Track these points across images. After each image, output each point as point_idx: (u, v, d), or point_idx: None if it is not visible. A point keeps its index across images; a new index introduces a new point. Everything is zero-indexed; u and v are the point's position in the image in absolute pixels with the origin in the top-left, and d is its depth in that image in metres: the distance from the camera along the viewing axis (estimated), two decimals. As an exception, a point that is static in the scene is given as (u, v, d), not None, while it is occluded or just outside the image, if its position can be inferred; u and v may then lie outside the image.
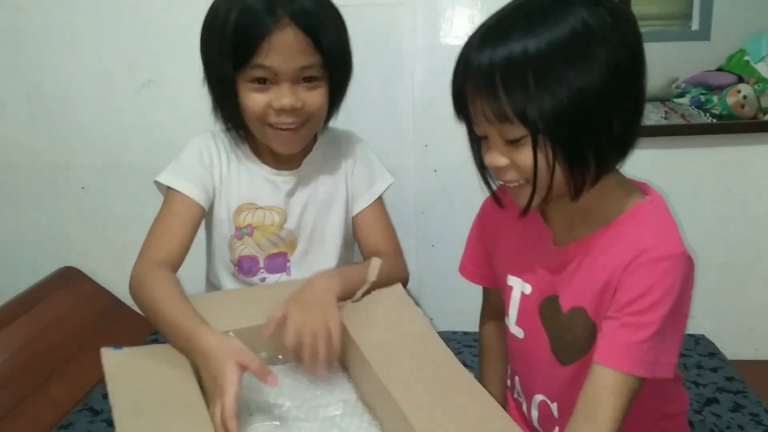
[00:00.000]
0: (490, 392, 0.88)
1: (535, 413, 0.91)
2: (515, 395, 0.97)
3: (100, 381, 1.32)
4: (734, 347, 1.28)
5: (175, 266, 1.01)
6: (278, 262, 1.13)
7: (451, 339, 1.48)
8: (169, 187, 1.05)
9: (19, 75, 1.62)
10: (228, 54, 0.97)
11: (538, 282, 0.85)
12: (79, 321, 1.55)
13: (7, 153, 1.68)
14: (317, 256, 1.14)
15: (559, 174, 0.73)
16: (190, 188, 1.05)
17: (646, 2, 1.46)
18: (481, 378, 1.04)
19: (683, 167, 1.53)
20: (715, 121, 1.50)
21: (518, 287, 0.88)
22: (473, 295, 1.58)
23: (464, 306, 1.66)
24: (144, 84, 1.58)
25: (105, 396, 1.24)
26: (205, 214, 1.08)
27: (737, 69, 1.50)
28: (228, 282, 1.14)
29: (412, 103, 1.55)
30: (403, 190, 1.57)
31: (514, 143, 0.74)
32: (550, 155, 0.72)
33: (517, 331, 0.89)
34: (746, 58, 1.49)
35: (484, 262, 0.97)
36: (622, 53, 0.71)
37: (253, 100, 1.00)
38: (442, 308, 1.60)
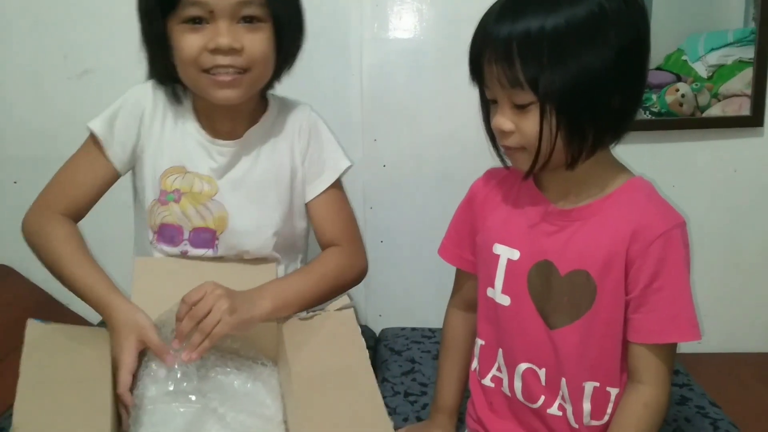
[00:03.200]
0: (446, 385, 1.02)
1: (518, 384, 0.93)
2: (494, 372, 0.97)
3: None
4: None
5: (77, 219, 1.01)
6: (205, 237, 1.05)
7: (400, 335, 1.47)
8: (92, 133, 1.02)
9: (-55, 62, 1.54)
10: None
11: (529, 247, 0.89)
12: (12, 320, 1.44)
13: (-68, 145, 1.59)
14: (249, 239, 1.05)
15: (559, 142, 0.80)
16: (110, 142, 1.01)
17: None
18: (439, 370, 1.06)
19: (627, 163, 1.56)
20: (654, 119, 1.54)
21: (505, 254, 0.91)
22: (422, 290, 1.58)
23: (413, 302, 1.67)
24: (80, 74, 1.53)
25: (38, 400, 1.20)
26: (118, 178, 1.05)
27: (675, 68, 1.53)
28: (148, 251, 1.08)
29: (361, 96, 1.54)
30: (352, 185, 1.54)
31: (521, 108, 0.80)
32: (554, 124, 0.79)
33: (503, 300, 0.92)
34: (684, 57, 1.53)
35: (466, 244, 1.00)
36: (630, 37, 0.78)
37: (187, 42, 0.93)
38: (391, 304, 1.60)
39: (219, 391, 0.88)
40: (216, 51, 0.92)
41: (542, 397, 0.91)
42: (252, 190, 1.05)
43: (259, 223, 1.05)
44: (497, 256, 0.92)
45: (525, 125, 0.81)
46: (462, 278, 1.05)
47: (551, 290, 0.87)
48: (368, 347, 0.94)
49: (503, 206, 0.94)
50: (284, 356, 0.92)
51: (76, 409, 0.79)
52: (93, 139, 1.03)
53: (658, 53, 1.52)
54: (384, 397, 0.83)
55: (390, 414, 0.81)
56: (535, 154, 0.82)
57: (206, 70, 0.94)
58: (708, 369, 1.43)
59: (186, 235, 1.04)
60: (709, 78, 1.53)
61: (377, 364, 1.37)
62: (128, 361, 0.87)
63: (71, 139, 1.56)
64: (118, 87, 1.26)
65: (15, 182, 1.62)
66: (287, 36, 0.99)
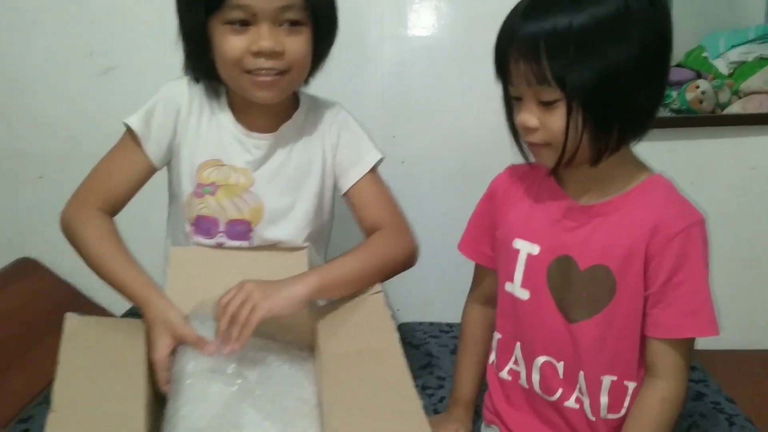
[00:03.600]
0: (463, 378, 1.03)
1: (536, 377, 0.94)
2: (511, 365, 0.99)
3: (60, 374, 1.31)
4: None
5: (114, 213, 1.04)
6: (240, 228, 1.07)
7: (417, 330, 1.49)
8: (128, 128, 1.03)
9: (-28, 60, 1.58)
10: None
11: (549, 242, 0.90)
12: (38, 313, 1.52)
13: (-40, 141, 1.63)
14: (283, 230, 1.08)
15: (585, 138, 0.81)
16: (147, 137, 1.03)
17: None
18: (457, 363, 1.08)
19: (646, 160, 1.56)
20: (674, 116, 1.53)
21: (525, 249, 0.92)
22: (440, 286, 1.59)
23: (431, 296, 1.68)
24: (104, 71, 1.56)
25: (65, 389, 1.24)
26: (155, 173, 1.07)
27: (696, 65, 1.53)
28: (181, 243, 1.10)
29: (380, 94, 1.55)
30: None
31: (547, 105, 0.81)
32: (580, 120, 0.80)
33: (522, 294, 0.93)
34: (704, 54, 1.52)
35: (485, 240, 1.02)
36: (654, 35, 0.80)
37: (230, 44, 0.94)
38: (409, 299, 1.61)
39: (256, 373, 0.89)
40: (259, 54, 0.94)
41: (560, 390, 0.92)
42: (286, 183, 1.07)
43: (293, 215, 1.08)
44: (517, 251, 0.93)
45: (551, 121, 0.82)
46: (481, 273, 1.06)
47: (571, 285, 0.89)
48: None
49: (524, 202, 0.95)
50: (317, 340, 0.94)
51: (111, 394, 0.82)
52: (130, 134, 1.04)
53: (678, 50, 1.48)
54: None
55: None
56: (561, 150, 0.83)
57: (247, 71, 0.96)
58: (725, 366, 1.42)
59: (221, 227, 1.06)
60: (730, 75, 1.52)
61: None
62: (160, 359, 0.90)
63: (96, 135, 1.59)
64: (141, 84, 1.29)
65: (40, 177, 1.65)
66: (323, 37, 1.02)
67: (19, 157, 1.63)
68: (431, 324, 1.51)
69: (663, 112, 1.54)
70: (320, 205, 1.11)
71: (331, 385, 0.84)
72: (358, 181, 1.10)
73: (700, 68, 1.52)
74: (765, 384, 1.46)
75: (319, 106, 1.12)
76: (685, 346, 0.86)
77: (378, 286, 1.01)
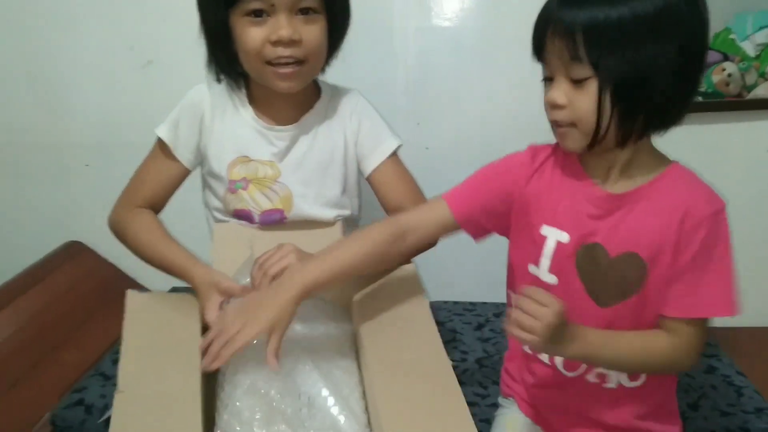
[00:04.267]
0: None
1: (559, 358, 0.96)
2: (527, 348, 1.00)
3: (110, 347, 1.40)
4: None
5: (156, 211, 1.11)
6: (274, 217, 1.12)
7: (442, 308, 1.54)
8: (159, 138, 1.10)
9: (23, 57, 1.65)
10: None
11: (579, 230, 0.90)
12: (86, 292, 1.61)
13: (13, 133, 1.72)
14: (314, 215, 1.12)
15: (612, 122, 0.81)
16: (177, 143, 1.09)
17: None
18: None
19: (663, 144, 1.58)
20: (700, 98, 1.52)
21: (554, 236, 0.92)
22: (463, 267, 1.64)
23: (454, 278, 1.72)
24: (144, 65, 1.62)
25: (115, 362, 1.31)
26: (189, 174, 1.13)
27: (723, 47, 1.50)
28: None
29: (405, 83, 1.59)
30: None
31: (578, 84, 0.81)
32: (608, 103, 0.80)
33: (549, 278, 0.93)
34: (732, 36, 1.50)
35: (478, 208, 0.98)
36: (691, 35, 0.79)
37: (250, 35, 0.98)
38: (433, 280, 1.63)
39: (306, 329, 0.96)
40: (278, 43, 0.98)
41: (583, 366, 0.94)
42: (312, 170, 1.12)
43: (322, 201, 1.13)
44: (544, 238, 0.92)
45: (580, 100, 0.82)
46: (435, 216, 1.00)
47: (601, 271, 0.89)
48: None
49: (550, 187, 0.94)
50: (356, 324, 0.99)
51: (172, 371, 0.87)
52: (161, 143, 1.11)
53: None
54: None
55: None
56: (591, 131, 0.83)
57: (269, 62, 1.00)
58: (738, 342, 1.44)
59: (257, 218, 1.11)
60: (757, 57, 1.51)
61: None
62: (212, 319, 0.94)
63: (137, 125, 1.67)
64: (179, 77, 1.35)
65: (87, 165, 1.73)
66: (338, 25, 1.05)
67: (66, 147, 1.71)
68: (455, 303, 1.57)
69: None
70: (345, 190, 1.16)
71: (370, 353, 0.90)
72: (380, 165, 1.14)
73: (727, 50, 1.51)
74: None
75: (340, 95, 1.16)
76: (701, 325, 0.87)
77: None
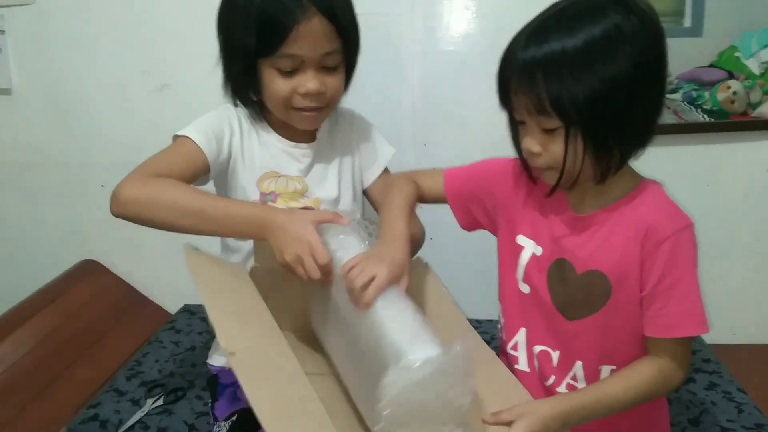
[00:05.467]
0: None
1: (536, 362, 0.99)
2: (509, 349, 1.03)
3: (124, 364, 1.43)
4: (712, 331, 1.36)
5: None
6: None
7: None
8: (177, 135, 1.05)
9: (42, 79, 1.70)
10: (253, 39, 0.99)
11: (551, 245, 0.94)
12: (100, 310, 1.64)
13: (31, 153, 1.76)
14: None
15: (587, 161, 0.84)
16: (201, 138, 1.04)
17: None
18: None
19: (662, 162, 1.60)
20: (706, 116, 1.53)
21: (530, 248, 0.96)
22: (469, 285, 1.66)
23: (460, 296, 1.73)
24: (159, 88, 1.66)
25: (129, 378, 1.35)
26: (211, 175, 1.07)
27: (728, 65, 1.51)
28: (246, 245, 1.13)
29: (412, 105, 1.63)
30: (403, 186, 1.65)
31: (549, 132, 0.84)
32: (579, 145, 0.83)
33: (523, 287, 0.98)
34: (737, 54, 1.51)
35: (468, 196, 1.05)
36: (646, 53, 0.81)
37: (279, 86, 1.03)
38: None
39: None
40: (306, 95, 1.03)
41: (552, 377, 0.96)
42: (331, 180, 1.17)
43: (340, 205, 1.17)
44: (521, 247, 0.97)
45: (552, 147, 0.84)
46: (438, 187, 1.08)
47: (568, 287, 0.92)
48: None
49: (531, 201, 0.98)
50: None
51: (262, 338, 0.83)
52: (185, 138, 1.05)
53: (711, 50, 1.51)
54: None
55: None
56: (569, 173, 0.85)
57: (293, 107, 1.06)
58: (739, 359, 1.46)
59: None
60: (762, 75, 1.51)
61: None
62: (317, 238, 0.89)
63: (151, 147, 1.68)
64: (193, 99, 1.39)
65: (102, 186, 1.74)
66: (353, 67, 1.11)
67: (83, 167, 1.75)
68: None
69: (695, 113, 1.54)
70: (355, 197, 1.21)
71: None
72: (377, 177, 1.21)
73: (732, 68, 1.52)
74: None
75: (340, 113, 1.21)
76: (682, 341, 0.88)
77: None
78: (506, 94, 0.87)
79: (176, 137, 1.07)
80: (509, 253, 1.00)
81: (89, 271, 1.77)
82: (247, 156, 1.12)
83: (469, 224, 1.08)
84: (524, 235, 0.97)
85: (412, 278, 0.91)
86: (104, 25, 1.65)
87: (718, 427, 1.19)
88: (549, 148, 0.85)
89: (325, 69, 1.04)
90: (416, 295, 0.97)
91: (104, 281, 1.76)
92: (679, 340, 0.87)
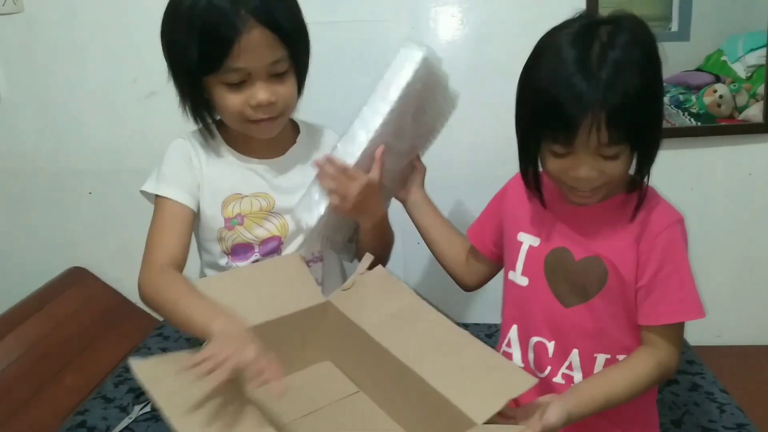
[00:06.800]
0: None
1: (531, 356, 1.02)
2: (504, 348, 1.06)
3: (111, 371, 1.43)
4: (697, 334, 1.37)
5: (180, 267, 1.04)
6: (272, 245, 1.13)
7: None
8: (157, 196, 1.06)
9: (30, 87, 1.70)
10: (196, 54, 0.97)
11: (549, 236, 0.99)
12: (89, 317, 1.64)
13: (19, 160, 1.76)
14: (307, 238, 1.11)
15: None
16: (177, 192, 1.06)
17: (627, 5, 1.46)
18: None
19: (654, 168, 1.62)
20: (693, 120, 1.54)
21: (527, 241, 1.01)
22: (457, 288, 1.67)
23: (448, 300, 1.74)
24: (147, 96, 1.66)
25: (117, 384, 1.36)
26: (196, 213, 1.09)
27: (715, 69, 1.52)
28: (216, 268, 1.14)
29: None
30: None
31: (609, 158, 0.86)
32: (631, 159, 0.89)
33: (522, 281, 1.02)
34: (723, 58, 1.52)
35: (489, 232, 1.11)
36: (658, 56, 0.87)
37: (230, 101, 1.01)
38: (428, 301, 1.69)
39: None
40: (257, 107, 1.02)
41: (548, 368, 1.00)
42: (303, 191, 1.13)
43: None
44: (520, 243, 1.02)
45: (610, 169, 0.87)
46: (477, 255, 1.15)
47: (566, 273, 0.97)
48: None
49: (530, 202, 1.03)
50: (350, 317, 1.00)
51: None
52: (159, 200, 1.07)
53: (698, 54, 1.52)
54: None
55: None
56: (620, 185, 0.93)
57: (247, 119, 1.04)
58: (724, 361, 1.48)
59: (257, 249, 1.12)
60: (748, 78, 1.52)
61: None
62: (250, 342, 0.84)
63: (139, 154, 1.72)
64: (177, 108, 1.41)
65: (90, 193, 1.77)
66: (303, 71, 1.09)
67: (71, 174, 1.75)
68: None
69: (682, 117, 1.56)
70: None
71: (400, 351, 0.90)
72: None
73: (719, 72, 1.53)
74: (761, 376, 1.51)
75: (316, 130, 1.22)
76: (677, 327, 0.94)
77: (371, 257, 1.08)
78: (570, 132, 0.84)
79: (156, 198, 1.07)
80: (510, 251, 1.04)
81: (78, 278, 1.77)
82: (208, 183, 1.10)
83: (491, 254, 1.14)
84: (524, 231, 1.02)
85: (396, 293, 0.98)
86: (92, 33, 1.65)
87: (699, 428, 1.20)
88: (606, 171, 0.88)
89: (275, 77, 1.03)
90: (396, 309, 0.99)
91: (92, 288, 1.76)
92: (675, 325, 0.93)
